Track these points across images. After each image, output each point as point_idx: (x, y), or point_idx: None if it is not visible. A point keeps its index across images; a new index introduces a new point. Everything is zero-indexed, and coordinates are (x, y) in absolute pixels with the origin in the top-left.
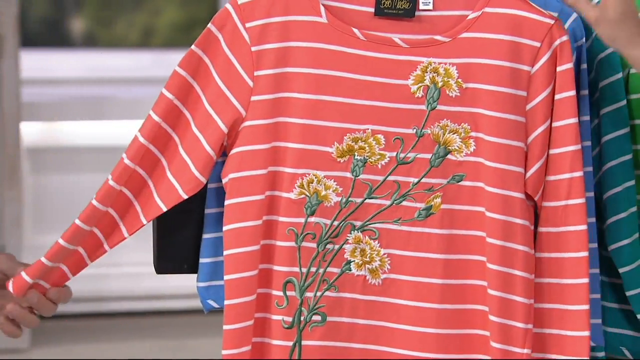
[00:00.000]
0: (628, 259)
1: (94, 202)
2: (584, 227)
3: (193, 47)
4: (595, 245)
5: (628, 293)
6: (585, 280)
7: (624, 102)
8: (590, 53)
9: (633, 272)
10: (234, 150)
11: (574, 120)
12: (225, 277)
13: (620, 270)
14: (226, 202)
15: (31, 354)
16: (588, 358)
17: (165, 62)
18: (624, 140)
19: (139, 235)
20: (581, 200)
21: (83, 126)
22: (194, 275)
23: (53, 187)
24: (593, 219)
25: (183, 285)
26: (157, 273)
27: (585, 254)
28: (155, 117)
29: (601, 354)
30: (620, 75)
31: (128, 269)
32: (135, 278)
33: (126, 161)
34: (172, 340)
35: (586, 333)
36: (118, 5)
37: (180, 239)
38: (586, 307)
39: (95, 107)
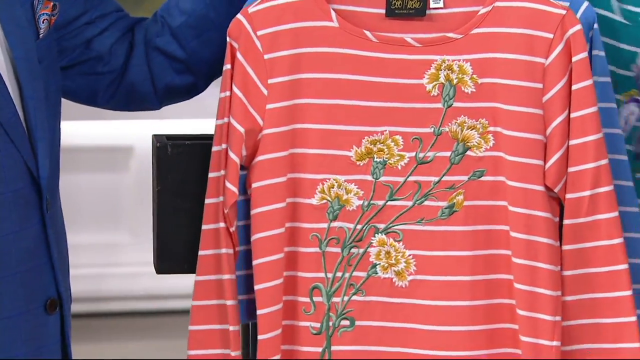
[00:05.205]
0: None
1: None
2: (615, 214)
3: (225, 66)
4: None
5: None
6: (624, 266)
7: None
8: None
9: None
10: (255, 160)
11: (593, 109)
12: (255, 287)
13: None
14: (251, 212)
15: None
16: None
17: None
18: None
19: (139, 235)
20: (610, 188)
21: (83, 126)
22: (194, 275)
23: None
24: (635, 208)
25: (183, 285)
26: (157, 273)
27: (619, 240)
28: (215, 148)
29: None
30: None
31: (127, 268)
32: (135, 278)
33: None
34: (172, 340)
35: (632, 318)
36: None
37: (181, 238)
38: (629, 292)
39: None
